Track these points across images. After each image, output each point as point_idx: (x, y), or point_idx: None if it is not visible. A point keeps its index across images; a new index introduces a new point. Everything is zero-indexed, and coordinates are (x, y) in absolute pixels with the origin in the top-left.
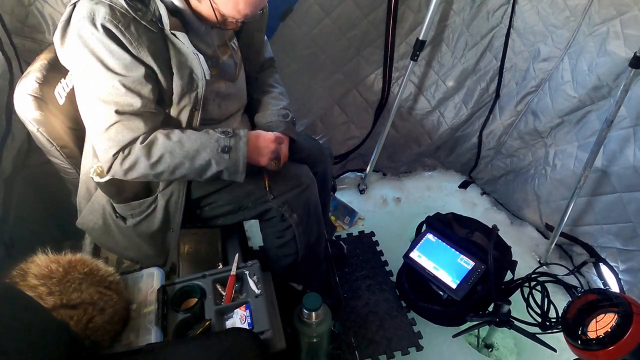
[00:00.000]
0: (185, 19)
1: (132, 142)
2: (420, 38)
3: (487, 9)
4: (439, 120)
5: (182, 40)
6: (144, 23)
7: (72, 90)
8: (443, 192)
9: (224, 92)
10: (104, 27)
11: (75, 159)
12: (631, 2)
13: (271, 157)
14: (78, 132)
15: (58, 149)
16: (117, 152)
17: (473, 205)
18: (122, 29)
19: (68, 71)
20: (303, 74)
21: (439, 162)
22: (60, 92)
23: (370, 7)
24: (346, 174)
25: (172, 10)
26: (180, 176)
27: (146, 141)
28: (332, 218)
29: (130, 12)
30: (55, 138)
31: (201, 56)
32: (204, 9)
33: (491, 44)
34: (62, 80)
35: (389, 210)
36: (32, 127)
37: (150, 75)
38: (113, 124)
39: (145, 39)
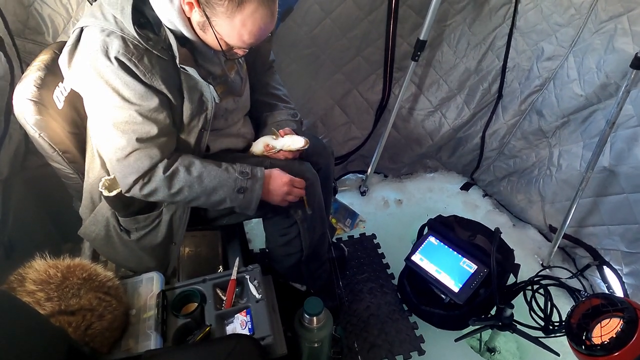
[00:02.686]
0: (194, 47)
1: (151, 169)
2: (421, 38)
3: (489, 8)
4: (441, 120)
5: (191, 74)
6: (155, 52)
7: (71, 94)
8: (445, 194)
9: (232, 108)
10: (118, 60)
11: (77, 164)
12: None
13: (283, 198)
14: (79, 136)
15: (60, 154)
16: (138, 179)
17: (475, 207)
18: (136, 61)
19: None
20: (303, 74)
21: (440, 164)
22: (58, 96)
23: (370, 7)
24: (347, 176)
25: (181, 40)
26: (195, 205)
27: (168, 172)
28: (333, 220)
29: (142, 42)
30: (57, 143)
31: (211, 87)
32: (210, 39)
33: (493, 43)
34: (60, 84)
35: (391, 212)
36: (34, 132)
37: (164, 102)
38: (132, 152)
39: (158, 68)
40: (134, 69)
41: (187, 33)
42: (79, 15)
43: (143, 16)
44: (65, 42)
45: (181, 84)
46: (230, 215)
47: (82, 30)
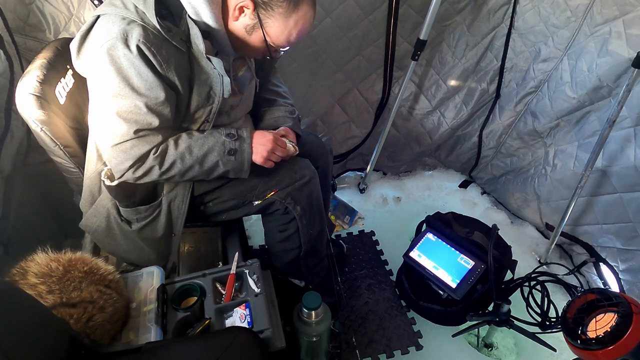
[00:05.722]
0: (214, 39)
1: (146, 154)
2: (421, 38)
3: (487, 8)
4: (440, 120)
5: (216, 65)
6: (174, 43)
7: (72, 89)
8: (443, 192)
9: (236, 105)
10: (138, 48)
11: (78, 159)
12: (635, 1)
13: (268, 157)
14: (80, 131)
15: (62, 148)
16: (132, 165)
17: (473, 204)
18: (155, 51)
19: (67, 70)
20: (304, 73)
21: (439, 162)
22: (60, 91)
23: (371, 6)
24: (346, 173)
25: (204, 32)
26: (190, 178)
27: (159, 151)
28: (332, 217)
29: (162, 32)
30: (59, 137)
31: (227, 78)
32: (254, 40)
33: (492, 44)
34: (62, 79)
35: (389, 209)
36: (36, 127)
37: (172, 96)
38: (129, 139)
39: (173, 59)
40: (151, 58)
41: (214, 23)
42: (80, 13)
43: (164, 7)
44: (67, 38)
45: (192, 77)
46: (230, 211)
47: (97, 18)
